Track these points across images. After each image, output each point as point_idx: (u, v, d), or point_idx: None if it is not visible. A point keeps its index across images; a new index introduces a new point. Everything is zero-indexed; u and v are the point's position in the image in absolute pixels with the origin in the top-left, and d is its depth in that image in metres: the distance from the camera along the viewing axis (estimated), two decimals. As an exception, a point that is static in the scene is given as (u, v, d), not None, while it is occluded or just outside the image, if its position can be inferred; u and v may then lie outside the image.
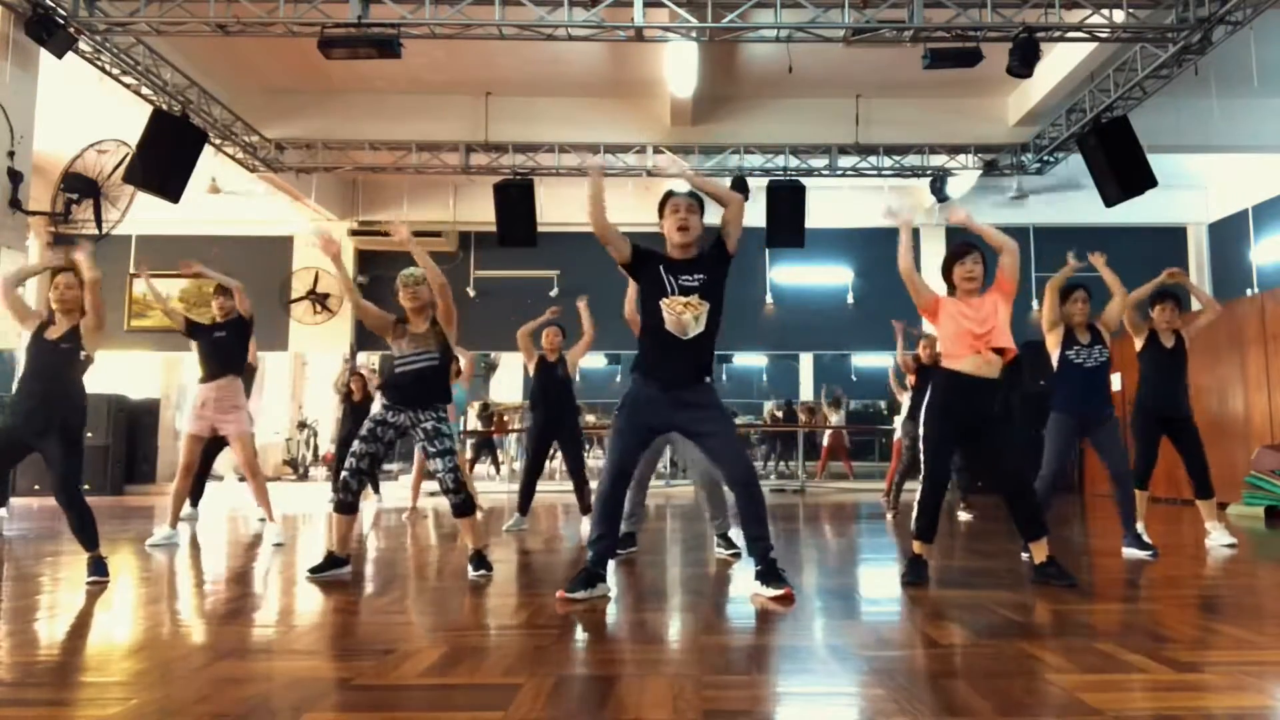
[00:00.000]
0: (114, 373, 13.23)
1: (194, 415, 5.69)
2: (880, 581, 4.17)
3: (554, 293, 13.05)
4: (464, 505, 4.11)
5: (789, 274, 13.96)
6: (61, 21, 7.36)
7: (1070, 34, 7.99)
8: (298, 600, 3.62)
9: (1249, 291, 11.89)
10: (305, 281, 13.40)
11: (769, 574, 3.50)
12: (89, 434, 11.67)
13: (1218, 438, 8.88)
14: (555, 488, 10.78)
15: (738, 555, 4.71)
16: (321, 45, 7.38)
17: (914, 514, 4.01)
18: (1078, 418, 4.90)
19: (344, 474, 4.07)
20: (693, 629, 3.01)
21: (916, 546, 3.93)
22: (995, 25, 7.57)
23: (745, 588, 3.78)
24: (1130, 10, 7.79)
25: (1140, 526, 5.21)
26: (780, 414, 15.19)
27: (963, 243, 4.11)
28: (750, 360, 15.71)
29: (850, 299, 13.82)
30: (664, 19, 7.77)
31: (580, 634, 2.96)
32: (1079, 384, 4.90)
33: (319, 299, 13.38)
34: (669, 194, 3.76)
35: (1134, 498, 4.93)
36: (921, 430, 3.98)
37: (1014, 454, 3.90)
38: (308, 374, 14.45)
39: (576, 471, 6.50)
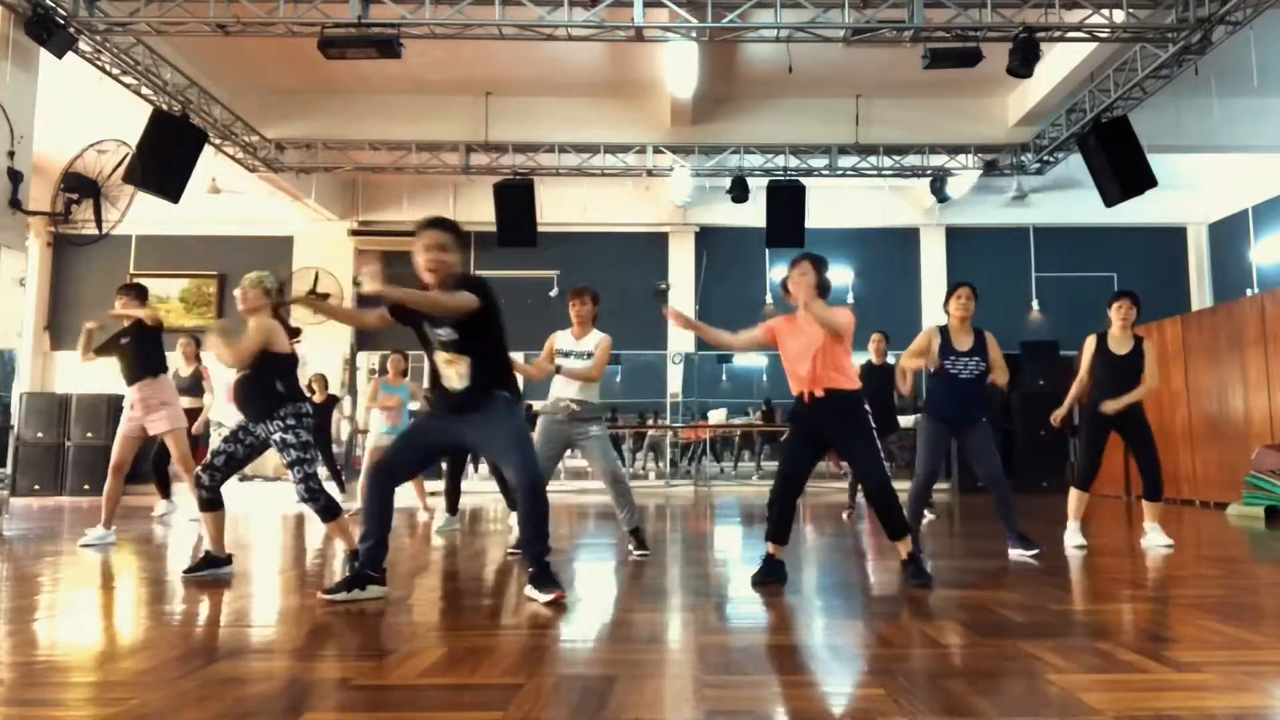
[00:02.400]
0: (114, 373, 13.24)
1: (125, 417, 5.75)
2: (880, 581, 4.17)
3: (554, 293, 13.05)
4: (325, 510, 4.12)
5: (789, 274, 13.94)
6: (61, 21, 7.36)
7: (1070, 34, 7.99)
8: (297, 600, 3.61)
9: (1249, 291, 11.89)
10: (305, 281, 13.39)
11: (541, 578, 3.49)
12: (89, 434, 11.75)
13: (1218, 438, 8.90)
14: (554, 488, 10.75)
15: (646, 555, 4.80)
16: (321, 45, 7.38)
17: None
18: (948, 422, 4.97)
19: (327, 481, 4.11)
20: (693, 629, 3.01)
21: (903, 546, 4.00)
22: (995, 25, 7.57)
23: (744, 588, 3.78)
24: (1130, 10, 7.79)
25: (1153, 525, 5.25)
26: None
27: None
28: (750, 360, 15.69)
29: (850, 299, 13.82)
30: (664, 19, 7.77)
31: (580, 634, 2.96)
32: (953, 393, 4.97)
33: (319, 299, 13.36)
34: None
35: (1009, 500, 4.97)
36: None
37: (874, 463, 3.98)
38: (307, 374, 14.42)
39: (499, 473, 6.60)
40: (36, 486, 11.45)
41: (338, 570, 4.48)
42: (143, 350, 5.70)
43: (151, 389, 5.66)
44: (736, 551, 5.57)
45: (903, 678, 2.31)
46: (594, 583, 4.12)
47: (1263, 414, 8.30)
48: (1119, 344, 5.29)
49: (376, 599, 3.48)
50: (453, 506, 6.85)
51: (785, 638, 2.87)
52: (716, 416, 13.81)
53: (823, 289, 3.96)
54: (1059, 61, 9.42)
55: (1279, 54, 8.90)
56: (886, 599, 3.67)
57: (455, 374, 3.47)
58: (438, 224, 3.50)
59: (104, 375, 13.10)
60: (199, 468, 4.11)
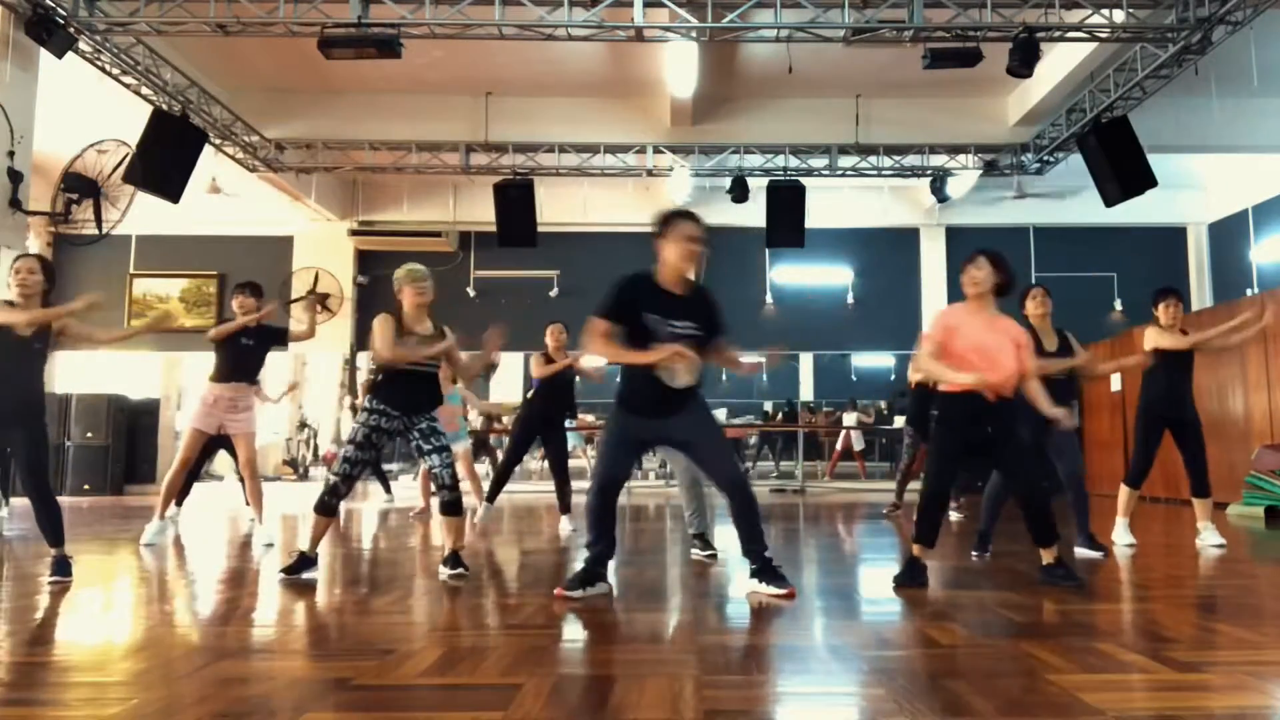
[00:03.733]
0: (114, 373, 13.25)
1: (204, 412, 5.67)
2: (880, 581, 4.17)
3: (554, 293, 13.06)
4: (454, 503, 4.12)
5: (789, 274, 13.96)
6: (61, 21, 7.36)
7: (1070, 34, 7.99)
8: (298, 600, 3.61)
9: (1249, 291, 11.89)
10: (305, 281, 13.40)
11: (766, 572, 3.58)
12: (89, 434, 11.75)
13: (1218, 438, 8.87)
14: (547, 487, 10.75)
15: (714, 557, 4.73)
16: (321, 45, 7.38)
17: (915, 517, 4.02)
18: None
19: (334, 478, 4.04)
20: (693, 629, 3.01)
21: (915, 549, 3.94)
22: (995, 25, 7.57)
23: (745, 587, 3.78)
24: (1130, 10, 7.79)
25: (1207, 525, 5.27)
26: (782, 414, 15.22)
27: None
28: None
29: (850, 299, 13.82)
30: (664, 19, 7.77)
31: (580, 634, 2.96)
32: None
33: (319, 299, 13.37)
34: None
35: (1085, 501, 4.94)
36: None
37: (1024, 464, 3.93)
38: (308, 374, 14.45)
39: (560, 468, 6.56)
40: (36, 486, 11.42)
41: (339, 570, 4.49)
42: (260, 354, 5.68)
43: (242, 391, 5.63)
44: (737, 552, 5.56)
45: (903, 678, 2.31)
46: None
47: (1263, 414, 8.30)
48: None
49: (603, 594, 3.62)
50: (493, 495, 6.75)
51: (785, 638, 2.87)
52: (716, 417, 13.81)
53: (1002, 287, 3.91)
54: (1059, 61, 9.42)
55: (1279, 54, 8.90)
56: (886, 599, 3.67)
57: (685, 370, 3.51)
58: (694, 216, 3.64)
59: (104, 375, 13.14)
60: (340, 478, 4.00)
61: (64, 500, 10.79)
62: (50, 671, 2.45)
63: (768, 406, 15.80)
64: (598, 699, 2.13)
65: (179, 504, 7.20)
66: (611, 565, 3.87)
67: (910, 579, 3.82)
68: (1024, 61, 7.51)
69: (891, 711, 2.01)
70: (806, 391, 15.17)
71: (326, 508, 4.02)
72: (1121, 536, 5.27)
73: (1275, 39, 8.49)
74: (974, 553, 4.80)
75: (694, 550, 4.86)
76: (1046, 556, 3.86)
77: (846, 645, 2.71)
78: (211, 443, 6.05)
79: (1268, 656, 2.53)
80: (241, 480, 5.96)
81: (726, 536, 6.35)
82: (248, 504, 5.86)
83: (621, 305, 3.57)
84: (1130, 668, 2.40)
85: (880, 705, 2.07)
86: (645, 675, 2.33)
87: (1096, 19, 7.86)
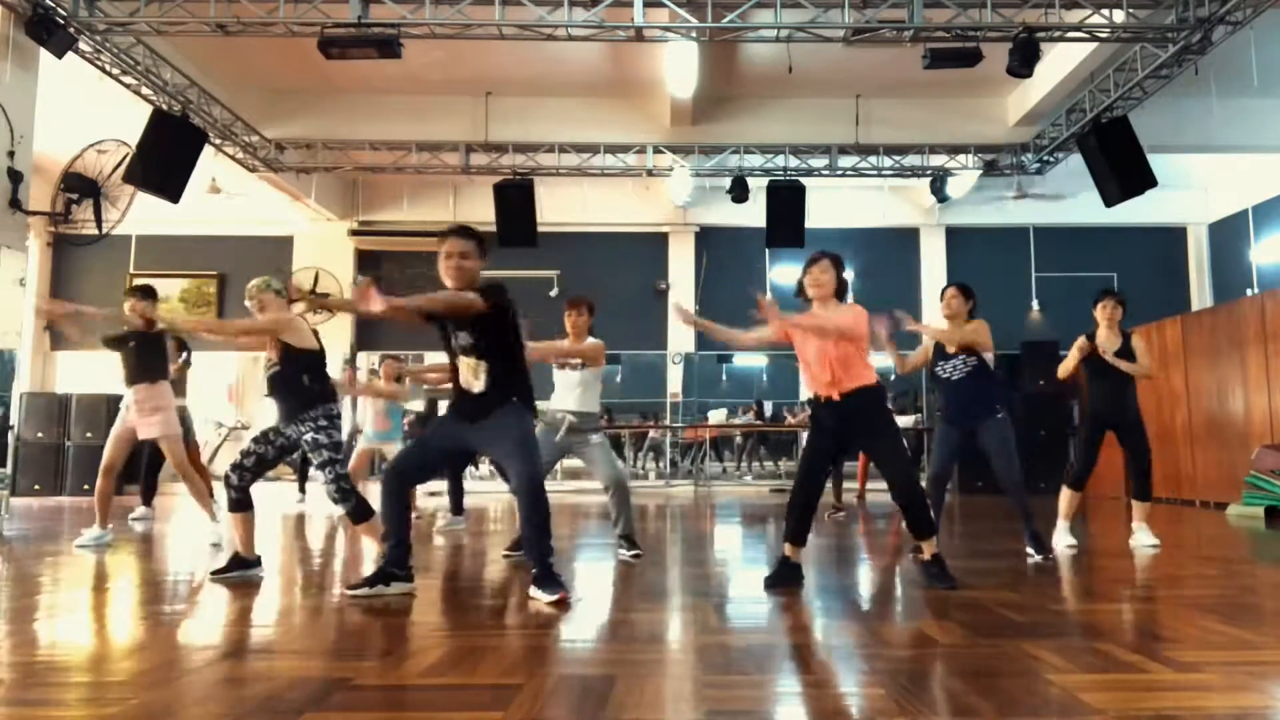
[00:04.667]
0: (114, 373, 13.23)
1: (119, 417, 5.74)
2: (880, 581, 4.17)
3: (554, 293, 13.05)
4: (356, 511, 4.14)
5: (789, 274, 13.94)
6: (61, 21, 7.36)
7: (1070, 34, 7.98)
8: (298, 600, 3.61)
9: (1249, 291, 11.89)
10: (305, 281, 13.40)
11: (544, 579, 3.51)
12: (89, 434, 11.75)
13: (1218, 438, 8.90)
14: (555, 488, 10.77)
15: (638, 557, 4.72)
16: (321, 45, 7.37)
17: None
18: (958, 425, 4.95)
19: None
20: (693, 629, 3.01)
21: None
22: (995, 25, 7.56)
23: (744, 588, 3.78)
24: (1130, 10, 7.79)
25: (1141, 525, 5.23)
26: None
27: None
28: (750, 360, 15.70)
29: (849, 299, 13.80)
30: (664, 19, 7.76)
31: (580, 634, 2.96)
32: (950, 395, 5.02)
33: (319, 299, 13.36)
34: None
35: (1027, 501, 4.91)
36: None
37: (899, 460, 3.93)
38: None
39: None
40: (37, 486, 11.44)
41: (339, 571, 4.49)
42: (145, 354, 5.68)
43: (148, 393, 5.64)
44: (737, 552, 5.57)
45: (903, 678, 2.31)
46: (594, 583, 4.12)
47: (1263, 414, 8.30)
48: (1107, 342, 5.29)
49: (403, 594, 3.56)
50: (458, 507, 6.91)
51: (785, 638, 2.87)
52: (716, 416, 13.82)
53: (841, 289, 3.97)
54: (1059, 61, 9.42)
55: (1279, 54, 8.89)
56: (887, 599, 3.67)
57: (474, 378, 3.56)
58: (459, 232, 3.66)
59: (104, 375, 13.11)
60: (229, 468, 4.02)
61: (64, 500, 10.79)
62: (50, 671, 2.45)
63: (768, 406, 15.82)
64: (598, 699, 2.13)
65: (148, 503, 7.42)
66: (610, 565, 3.86)
67: (779, 580, 3.81)
68: (1024, 61, 7.51)
69: (891, 711, 2.01)
70: (806, 391, 15.18)
71: (230, 503, 4.03)
72: (1062, 539, 5.20)
73: (1275, 39, 8.49)
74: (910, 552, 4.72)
75: (622, 551, 4.88)
76: (926, 551, 3.86)
77: (846, 645, 2.71)
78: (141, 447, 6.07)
79: (1268, 656, 2.53)
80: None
81: (728, 538, 6.35)
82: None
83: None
84: (1130, 668, 2.40)
85: (880, 705, 2.07)
86: (645, 675, 2.33)
87: (1096, 19, 7.86)
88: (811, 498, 3.95)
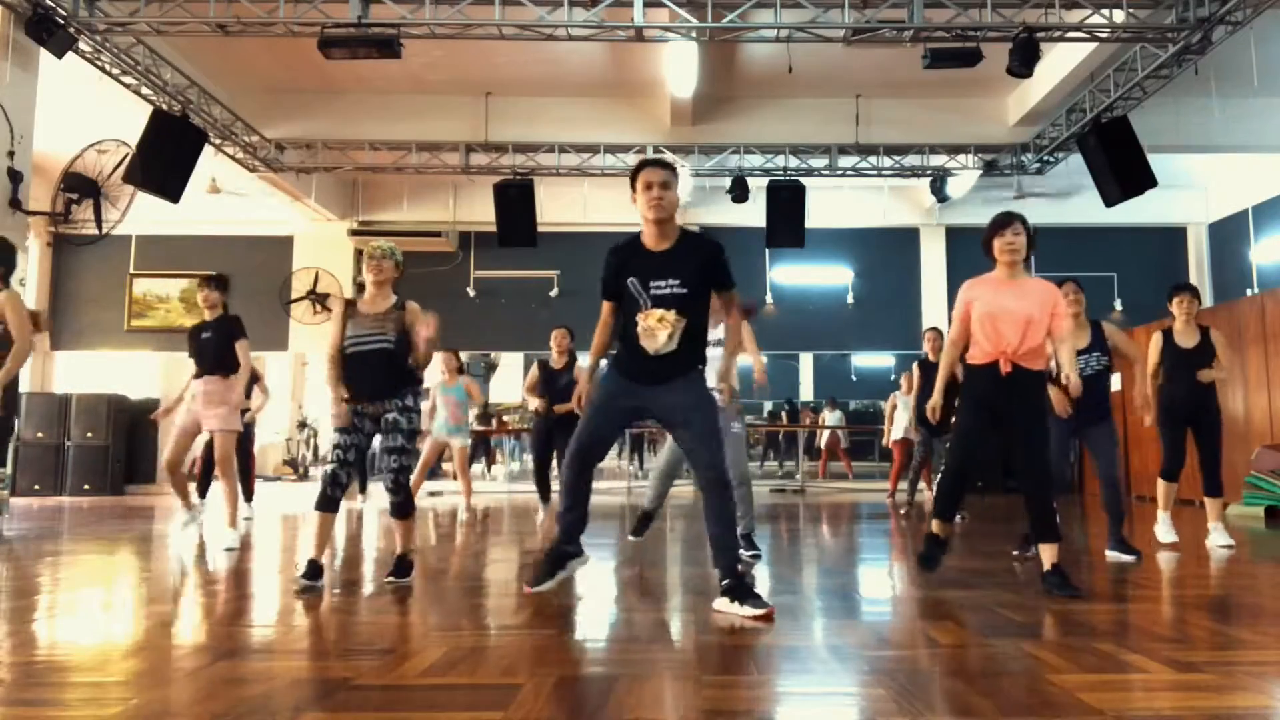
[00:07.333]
0: (114, 373, 13.24)
1: (182, 409, 5.69)
2: (880, 581, 4.17)
3: (554, 293, 13.06)
4: (400, 505, 3.99)
5: (789, 274, 13.95)
6: (61, 21, 7.36)
7: (1070, 34, 7.99)
8: (298, 600, 3.61)
9: (1249, 291, 11.89)
10: (305, 281, 13.40)
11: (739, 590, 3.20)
12: (89, 434, 11.75)
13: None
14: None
15: (757, 556, 4.70)
16: (321, 45, 7.38)
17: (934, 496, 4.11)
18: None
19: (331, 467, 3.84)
20: (693, 629, 3.00)
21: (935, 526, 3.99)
22: (995, 25, 7.57)
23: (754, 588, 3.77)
24: (1130, 10, 7.79)
25: (1217, 525, 5.35)
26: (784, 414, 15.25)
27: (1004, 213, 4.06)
28: (749, 360, 15.73)
29: (850, 299, 13.82)
30: (664, 19, 7.77)
31: (580, 634, 2.96)
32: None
33: (319, 299, 13.37)
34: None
35: (1119, 497, 4.91)
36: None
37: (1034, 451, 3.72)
38: (308, 374, 14.44)
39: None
40: (36, 486, 11.45)
41: (339, 571, 4.49)
42: (218, 345, 5.59)
43: (219, 385, 5.54)
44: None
45: (903, 678, 2.31)
46: (594, 583, 4.12)
47: (1263, 414, 8.30)
48: (1185, 337, 5.33)
49: (580, 568, 3.57)
50: (545, 495, 6.94)
51: (785, 638, 2.87)
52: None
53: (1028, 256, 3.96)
54: (1059, 61, 9.42)
55: (1279, 54, 8.90)
56: (886, 599, 3.67)
57: (667, 334, 3.24)
58: (656, 162, 3.35)
59: (104, 375, 13.13)
60: (330, 473, 3.78)
61: (64, 500, 10.80)
62: (50, 671, 2.45)
63: (768, 406, 15.83)
64: (598, 699, 2.13)
65: (202, 497, 7.32)
66: (611, 566, 3.86)
67: (929, 555, 3.91)
68: (1024, 61, 7.51)
69: (891, 711, 2.01)
70: (806, 391, 15.18)
71: (326, 501, 3.81)
72: (1163, 533, 5.37)
73: (1275, 39, 8.49)
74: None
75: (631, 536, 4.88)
76: (1047, 558, 3.65)
77: (846, 645, 2.70)
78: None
79: (1268, 656, 2.53)
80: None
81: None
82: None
83: (609, 279, 3.40)
84: (1130, 668, 2.40)
85: (880, 705, 2.07)
86: (645, 675, 2.33)
87: (1096, 19, 7.86)
88: (968, 478, 3.94)
